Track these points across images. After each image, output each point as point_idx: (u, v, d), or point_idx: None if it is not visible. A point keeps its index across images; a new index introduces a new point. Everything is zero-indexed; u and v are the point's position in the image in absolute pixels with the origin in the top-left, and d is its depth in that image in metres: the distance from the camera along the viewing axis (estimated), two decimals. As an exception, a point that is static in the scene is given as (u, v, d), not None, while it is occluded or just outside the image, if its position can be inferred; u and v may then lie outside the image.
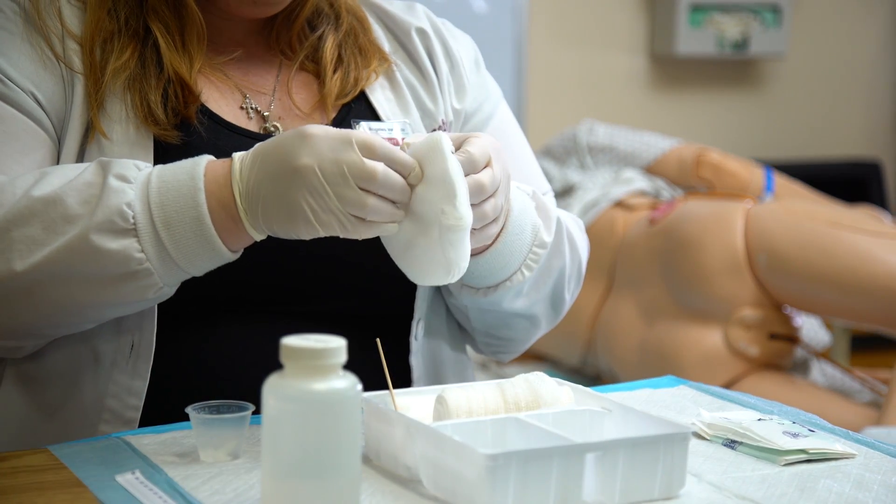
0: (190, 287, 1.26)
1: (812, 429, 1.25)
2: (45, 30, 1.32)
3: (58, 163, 1.31)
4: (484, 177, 1.19)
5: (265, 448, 0.97)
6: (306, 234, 1.17)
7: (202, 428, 1.15)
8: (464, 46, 1.53)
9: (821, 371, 3.28)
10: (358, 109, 1.42)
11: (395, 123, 1.39)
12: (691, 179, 3.54)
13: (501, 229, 1.29)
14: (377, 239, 1.23)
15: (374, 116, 1.42)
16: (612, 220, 3.35)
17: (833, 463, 1.18)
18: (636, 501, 1.06)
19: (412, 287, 1.37)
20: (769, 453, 1.19)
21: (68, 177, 1.20)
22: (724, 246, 3.05)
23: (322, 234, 1.16)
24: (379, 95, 1.44)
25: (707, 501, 1.07)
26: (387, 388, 1.17)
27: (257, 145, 1.18)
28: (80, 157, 1.30)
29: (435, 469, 1.05)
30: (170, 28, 1.35)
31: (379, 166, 1.14)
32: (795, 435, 1.21)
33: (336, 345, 0.95)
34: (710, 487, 1.10)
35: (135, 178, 1.18)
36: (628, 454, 1.05)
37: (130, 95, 1.32)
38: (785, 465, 1.17)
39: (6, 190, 1.19)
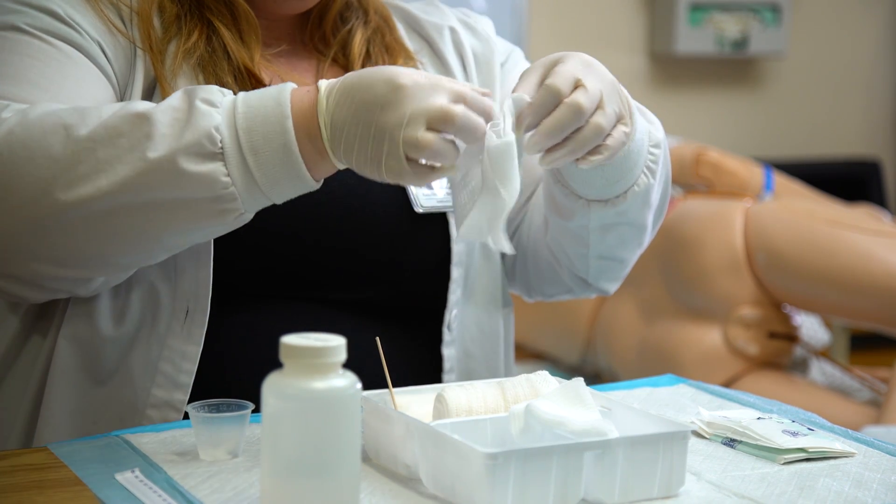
0: (242, 268, 1.33)
1: (811, 427, 1.25)
2: (115, 4, 1.35)
3: None
4: (578, 97, 1.20)
5: (265, 446, 0.97)
6: (382, 180, 1.18)
7: (202, 426, 1.15)
8: (486, 24, 1.60)
9: (820, 370, 3.28)
10: None
11: None
12: (691, 178, 3.54)
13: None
14: (402, 227, 1.34)
15: None
16: (611, 219, 3.35)
17: (832, 461, 1.18)
18: (635, 500, 1.06)
19: (443, 273, 1.43)
20: (768, 452, 1.19)
21: (155, 103, 1.20)
22: (724, 245, 3.05)
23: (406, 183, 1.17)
24: None
25: (706, 500, 1.07)
26: (387, 386, 1.17)
27: (344, 81, 1.17)
28: None
29: (434, 467, 1.05)
30: (226, 22, 1.38)
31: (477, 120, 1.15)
32: (795, 433, 1.21)
33: (335, 343, 0.95)
34: (710, 486, 1.11)
35: (220, 102, 1.18)
36: (628, 453, 1.05)
37: (203, 76, 1.35)
38: (784, 463, 1.17)
39: (92, 112, 1.19)
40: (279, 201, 1.21)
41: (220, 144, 1.15)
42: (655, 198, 1.43)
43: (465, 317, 1.47)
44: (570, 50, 1.28)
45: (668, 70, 4.50)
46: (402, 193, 1.42)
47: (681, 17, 4.35)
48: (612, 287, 1.56)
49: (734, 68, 4.61)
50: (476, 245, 1.47)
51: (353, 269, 1.39)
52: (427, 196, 1.42)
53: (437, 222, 1.43)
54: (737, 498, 1.08)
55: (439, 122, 1.14)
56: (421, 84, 1.14)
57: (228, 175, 1.16)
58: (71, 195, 1.15)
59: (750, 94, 4.65)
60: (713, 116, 4.58)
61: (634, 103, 1.37)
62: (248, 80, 1.37)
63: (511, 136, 1.17)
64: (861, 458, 1.20)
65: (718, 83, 4.60)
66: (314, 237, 1.37)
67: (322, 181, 1.21)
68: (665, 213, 1.51)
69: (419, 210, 1.41)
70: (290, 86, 1.19)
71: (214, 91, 1.18)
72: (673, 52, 4.38)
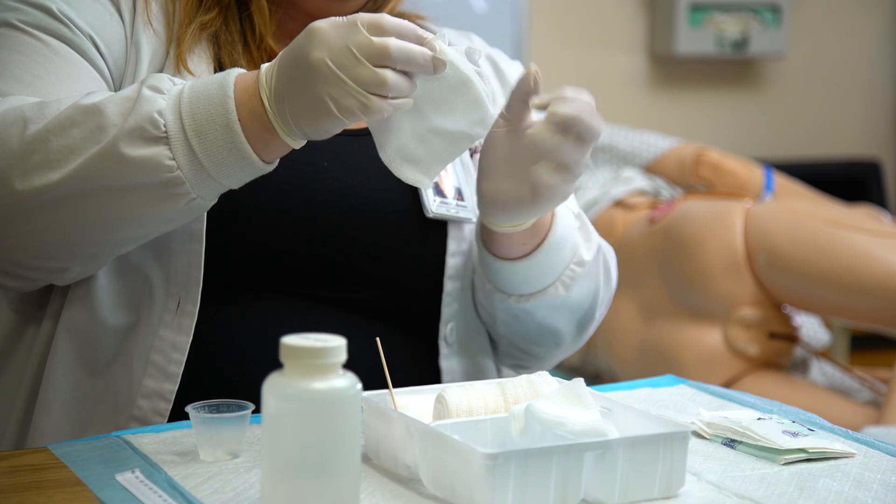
0: (236, 262, 1.34)
1: (811, 428, 1.25)
2: None
3: None
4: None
5: (265, 447, 0.97)
6: (333, 127, 1.17)
7: (202, 427, 1.15)
8: (515, 70, 1.58)
9: (820, 370, 3.28)
10: None
11: None
12: (691, 179, 3.54)
13: (543, 240, 1.34)
14: (402, 230, 1.35)
15: None
16: (611, 219, 3.35)
17: (832, 462, 1.18)
18: (636, 500, 1.06)
19: (438, 284, 1.42)
20: (769, 452, 1.19)
21: (111, 93, 1.22)
22: (724, 245, 3.05)
23: (348, 122, 1.16)
24: None
25: (706, 500, 1.07)
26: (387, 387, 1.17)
27: (282, 55, 1.18)
28: None
29: (434, 468, 1.05)
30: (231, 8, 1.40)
31: (391, 41, 1.15)
32: (795, 434, 1.21)
33: (336, 344, 0.95)
34: (710, 486, 1.11)
35: (168, 89, 1.19)
36: (628, 453, 1.05)
37: (215, 50, 1.38)
38: (784, 464, 1.17)
39: (52, 104, 1.21)
40: (233, 185, 1.21)
41: (163, 128, 1.16)
42: (573, 312, 1.43)
43: (471, 335, 1.47)
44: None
45: (669, 70, 4.50)
46: (407, 197, 1.41)
47: (681, 17, 4.35)
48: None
49: (734, 69, 4.61)
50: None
51: (346, 269, 1.39)
52: (440, 203, 1.41)
53: (440, 232, 1.43)
54: (737, 498, 1.08)
55: (375, 60, 1.13)
56: (337, 22, 1.15)
57: (173, 159, 1.17)
58: (26, 185, 1.18)
59: (750, 94, 4.65)
60: (713, 116, 4.58)
61: (587, 222, 1.42)
62: (258, 56, 1.39)
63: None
64: (861, 458, 1.20)
65: (718, 84, 4.59)
66: (308, 234, 1.36)
67: (276, 162, 1.22)
68: (590, 328, 1.50)
69: (429, 215, 1.41)
70: (237, 71, 1.20)
71: (164, 79, 1.20)
72: (673, 52, 4.38)
